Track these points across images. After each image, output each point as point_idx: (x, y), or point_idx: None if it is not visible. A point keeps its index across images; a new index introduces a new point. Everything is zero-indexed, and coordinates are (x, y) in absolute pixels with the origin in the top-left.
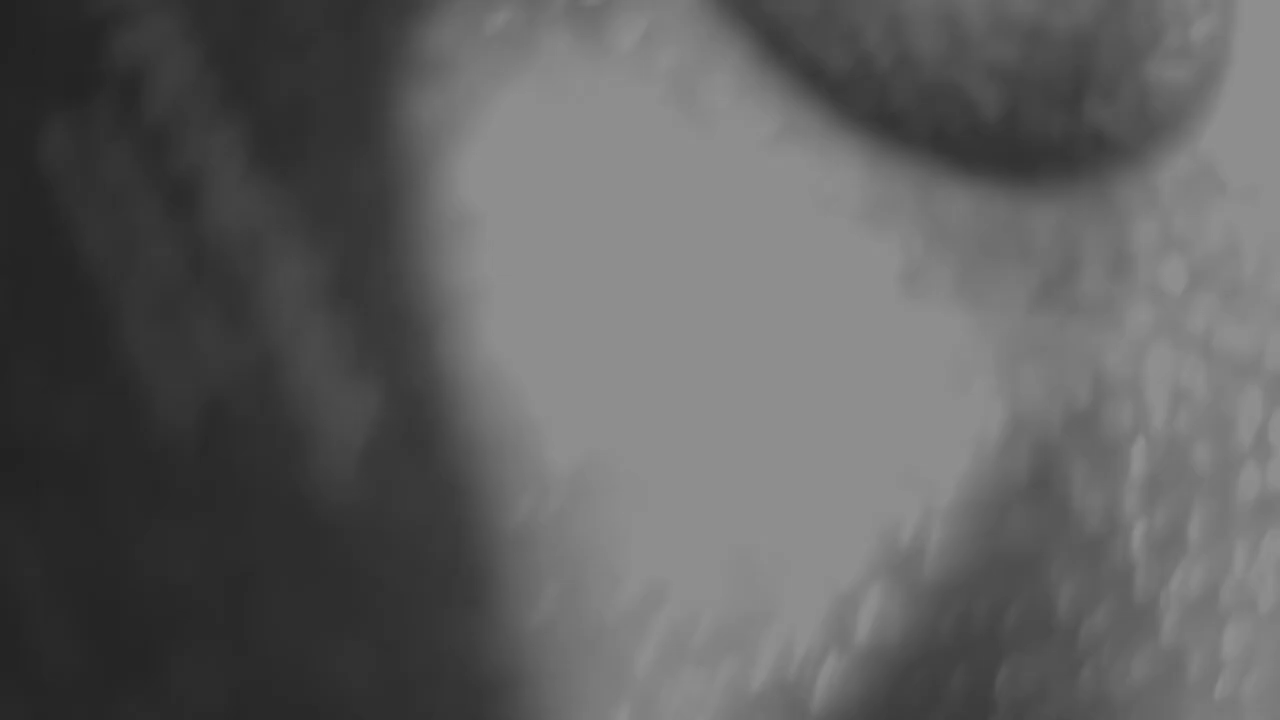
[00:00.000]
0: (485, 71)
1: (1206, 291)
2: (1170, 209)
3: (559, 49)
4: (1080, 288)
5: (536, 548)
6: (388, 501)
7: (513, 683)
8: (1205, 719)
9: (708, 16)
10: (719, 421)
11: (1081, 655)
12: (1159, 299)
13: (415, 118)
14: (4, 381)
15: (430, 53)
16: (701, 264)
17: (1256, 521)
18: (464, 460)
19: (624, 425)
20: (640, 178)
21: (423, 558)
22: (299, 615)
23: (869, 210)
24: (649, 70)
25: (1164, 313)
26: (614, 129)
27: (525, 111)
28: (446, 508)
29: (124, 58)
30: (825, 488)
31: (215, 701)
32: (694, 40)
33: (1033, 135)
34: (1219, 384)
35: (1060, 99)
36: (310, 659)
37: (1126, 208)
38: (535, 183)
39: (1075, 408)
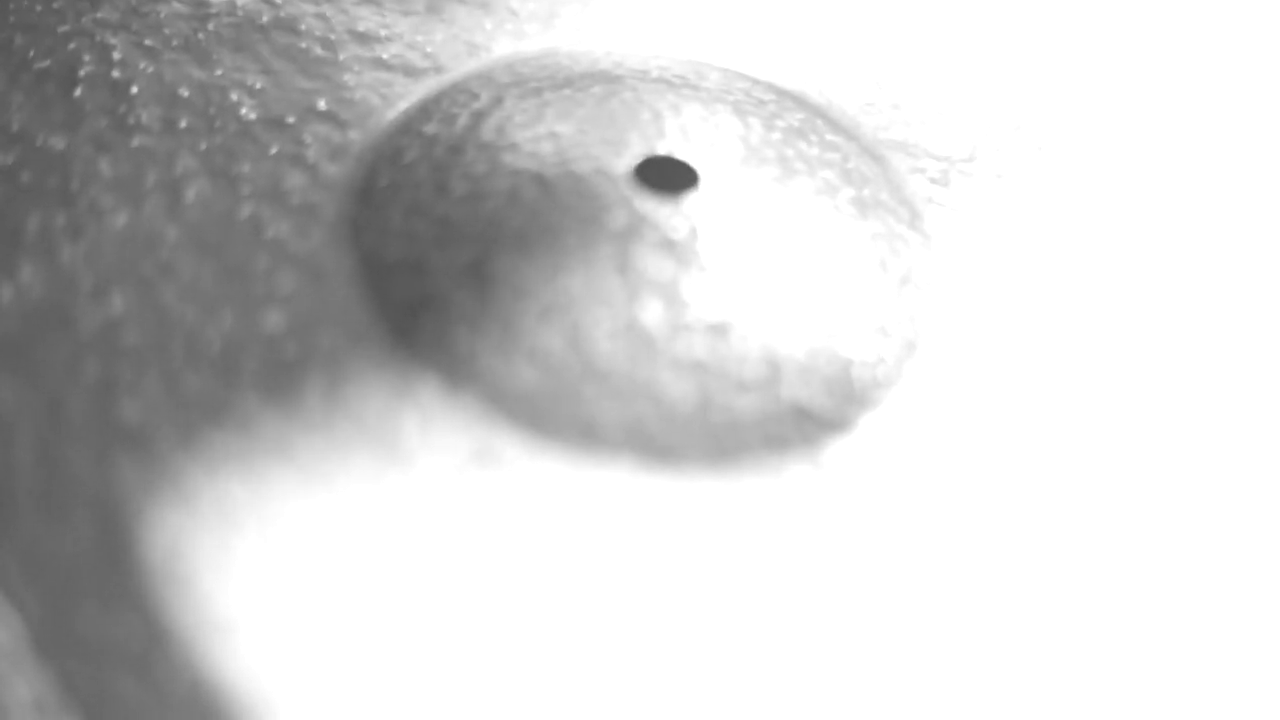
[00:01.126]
0: (179, 436)
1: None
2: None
3: (251, 407)
4: (817, 544)
5: None
6: None
7: None
8: None
9: (394, 357)
10: None
11: None
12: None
13: (111, 484)
14: None
15: (125, 423)
16: (414, 590)
17: None
18: None
19: None
20: (338, 518)
21: None
22: None
23: (573, 515)
24: (338, 416)
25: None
26: (307, 476)
27: (219, 469)
28: None
29: None
30: None
31: None
32: (381, 382)
33: (732, 418)
34: None
35: (754, 382)
36: None
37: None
38: (230, 535)
39: None
